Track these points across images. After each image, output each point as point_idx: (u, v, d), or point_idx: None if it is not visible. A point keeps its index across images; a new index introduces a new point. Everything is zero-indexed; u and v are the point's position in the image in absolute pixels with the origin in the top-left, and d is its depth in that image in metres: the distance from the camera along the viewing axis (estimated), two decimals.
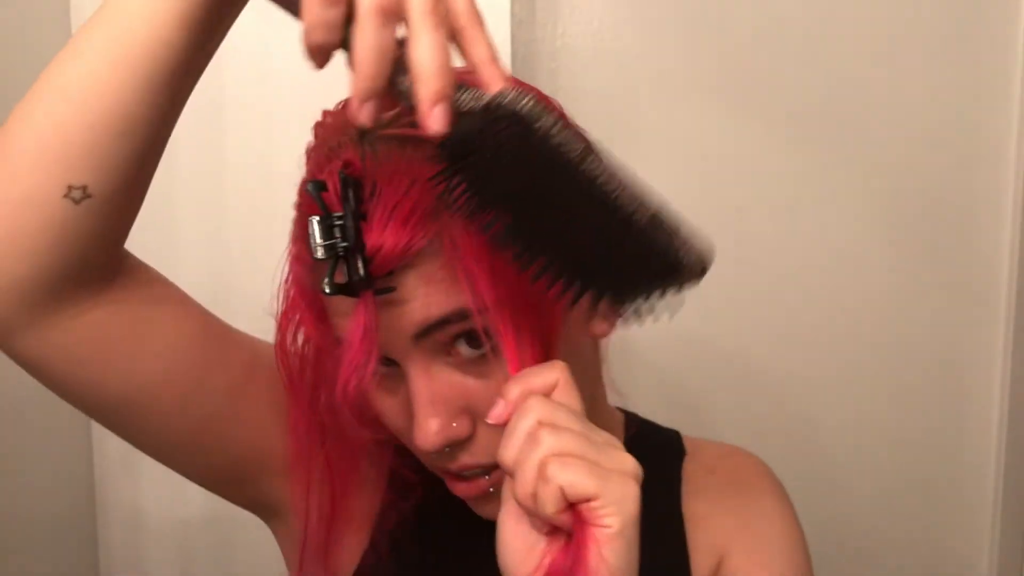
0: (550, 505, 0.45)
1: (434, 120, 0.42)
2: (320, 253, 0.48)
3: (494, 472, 0.56)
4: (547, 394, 0.49)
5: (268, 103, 0.97)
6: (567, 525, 0.46)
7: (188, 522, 1.06)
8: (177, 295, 0.58)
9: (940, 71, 0.99)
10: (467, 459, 0.55)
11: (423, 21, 0.41)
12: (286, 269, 0.56)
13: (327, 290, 0.48)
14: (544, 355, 0.52)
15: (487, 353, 0.53)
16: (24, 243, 0.48)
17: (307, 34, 0.42)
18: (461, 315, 0.51)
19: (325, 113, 0.58)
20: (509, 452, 0.47)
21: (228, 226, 0.99)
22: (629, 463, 0.47)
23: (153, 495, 1.05)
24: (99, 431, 1.04)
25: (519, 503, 0.47)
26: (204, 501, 1.06)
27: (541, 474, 0.46)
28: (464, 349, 0.53)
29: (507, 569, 0.50)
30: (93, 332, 0.53)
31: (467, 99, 0.44)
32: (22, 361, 0.53)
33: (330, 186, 0.50)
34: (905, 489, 1.05)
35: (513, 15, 0.93)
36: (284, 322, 0.56)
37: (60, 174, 0.47)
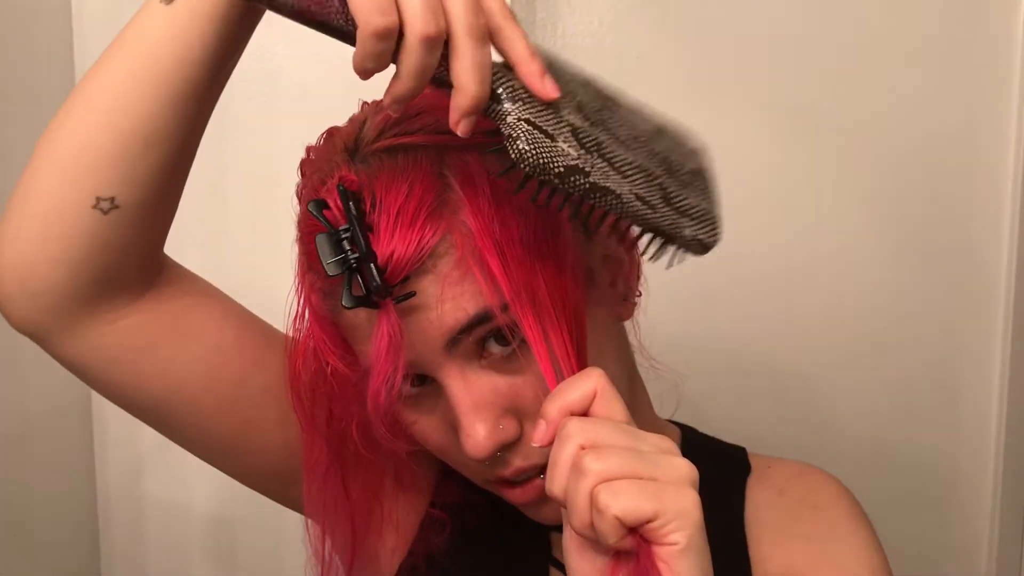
0: (610, 536, 0.44)
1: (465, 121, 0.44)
2: (332, 270, 0.48)
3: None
4: (586, 406, 0.48)
5: (269, 104, 0.97)
6: (632, 548, 0.45)
7: (188, 522, 1.06)
8: (218, 300, 0.59)
9: (940, 71, 0.99)
10: (520, 462, 0.54)
11: (467, 36, 0.43)
12: (296, 304, 0.55)
13: (346, 304, 0.48)
14: (574, 345, 0.51)
15: (516, 349, 0.52)
16: (56, 251, 0.50)
17: (360, 62, 0.43)
18: (487, 315, 0.51)
19: (309, 149, 0.58)
20: (556, 484, 0.46)
21: (228, 227, 0.99)
22: (683, 468, 0.46)
23: (154, 494, 1.06)
24: (101, 431, 1.04)
25: (578, 534, 0.46)
26: (205, 501, 1.06)
27: (594, 505, 0.44)
28: (495, 348, 0.52)
29: None
30: (131, 336, 0.54)
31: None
32: (62, 362, 0.55)
33: (331, 203, 0.50)
34: (904, 488, 1.05)
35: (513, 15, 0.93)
36: (298, 356, 0.55)
37: (88, 186, 0.49)
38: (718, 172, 1.05)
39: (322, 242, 0.49)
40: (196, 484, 1.05)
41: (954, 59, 0.99)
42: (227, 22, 0.48)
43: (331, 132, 0.57)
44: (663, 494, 0.44)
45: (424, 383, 0.54)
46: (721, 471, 0.66)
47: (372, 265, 0.48)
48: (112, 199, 0.49)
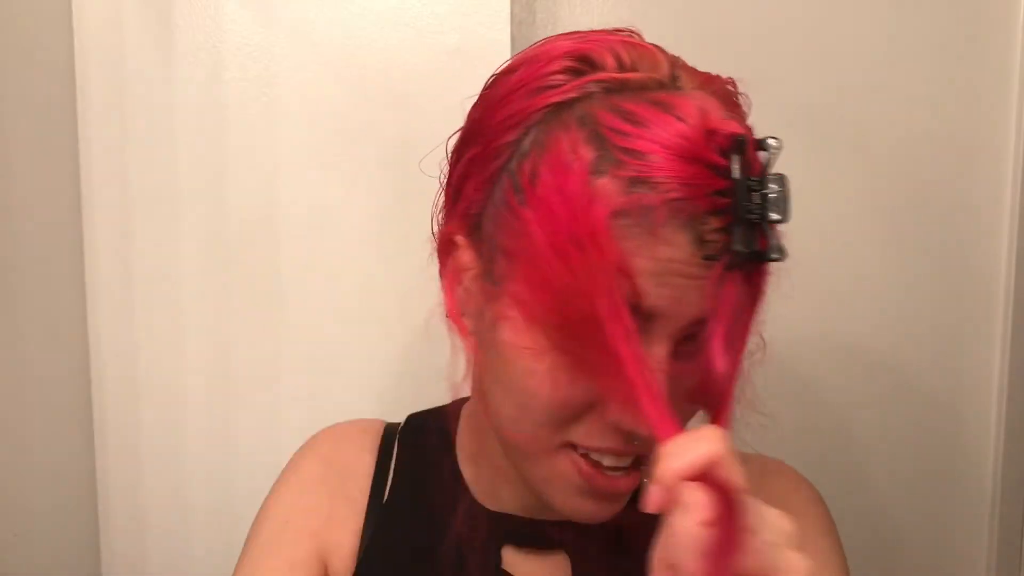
0: None
1: None
2: (742, 213, 0.47)
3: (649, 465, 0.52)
4: (705, 474, 0.42)
5: (269, 104, 0.97)
6: None
7: (189, 522, 1.06)
8: None
9: (940, 71, 0.99)
10: (644, 448, 0.52)
11: None
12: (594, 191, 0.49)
13: (735, 255, 0.48)
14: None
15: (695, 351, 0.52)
16: None
17: None
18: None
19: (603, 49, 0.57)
20: (667, 554, 0.42)
21: (228, 225, 0.99)
22: (797, 562, 0.42)
23: (154, 492, 1.06)
24: (101, 431, 1.04)
25: None
26: (205, 502, 1.06)
27: None
28: (690, 343, 0.52)
29: None
30: None
31: None
32: None
33: (750, 146, 0.48)
34: (903, 487, 1.05)
35: (513, 15, 0.93)
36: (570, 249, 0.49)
37: None
38: None
39: (742, 184, 0.47)
40: (197, 485, 1.05)
41: (954, 59, 0.99)
42: None
43: (626, 47, 0.57)
44: None
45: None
46: None
47: (766, 227, 0.49)
48: None
